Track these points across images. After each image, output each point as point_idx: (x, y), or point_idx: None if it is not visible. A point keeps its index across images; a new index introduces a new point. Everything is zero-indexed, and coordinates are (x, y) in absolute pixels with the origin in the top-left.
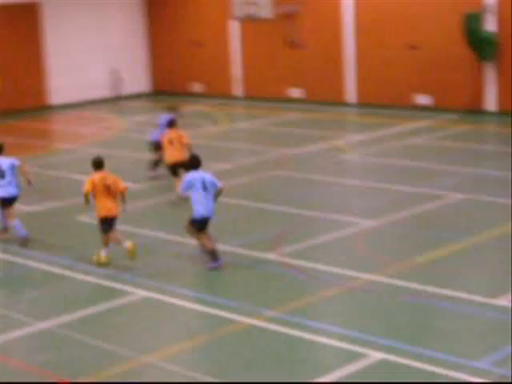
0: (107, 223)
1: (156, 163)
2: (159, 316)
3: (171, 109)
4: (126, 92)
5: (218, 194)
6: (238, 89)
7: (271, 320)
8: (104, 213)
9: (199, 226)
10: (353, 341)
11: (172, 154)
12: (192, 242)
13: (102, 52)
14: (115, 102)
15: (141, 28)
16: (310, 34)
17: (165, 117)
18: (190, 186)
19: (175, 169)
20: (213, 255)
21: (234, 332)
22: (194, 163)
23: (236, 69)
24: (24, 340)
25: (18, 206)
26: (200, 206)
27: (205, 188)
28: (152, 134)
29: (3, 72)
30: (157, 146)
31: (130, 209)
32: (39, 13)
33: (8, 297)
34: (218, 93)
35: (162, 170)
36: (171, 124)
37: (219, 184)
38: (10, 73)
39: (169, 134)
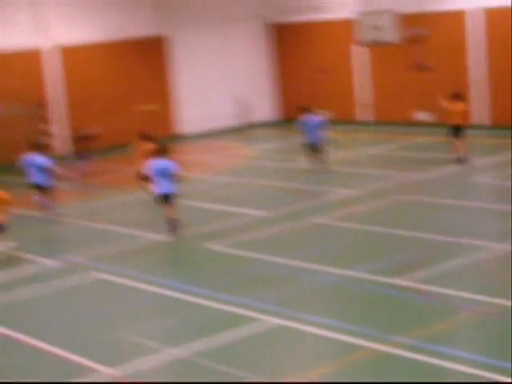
0: None
1: (313, 157)
2: (288, 343)
3: (304, 110)
4: (254, 120)
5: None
6: (365, 114)
7: (400, 346)
8: None
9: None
10: (484, 367)
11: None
12: (323, 269)
13: (230, 81)
14: (243, 130)
15: (266, 56)
16: (437, 56)
17: (315, 118)
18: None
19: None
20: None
21: (362, 358)
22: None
23: (363, 94)
24: (157, 367)
25: (147, 235)
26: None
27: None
28: (307, 137)
29: (137, 103)
30: (315, 148)
31: (261, 236)
32: (167, 45)
33: (141, 324)
34: (345, 118)
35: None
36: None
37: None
38: (144, 104)
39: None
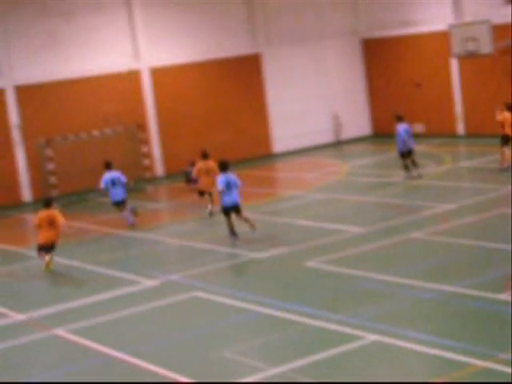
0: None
1: (407, 167)
2: (389, 360)
3: (399, 118)
4: (346, 136)
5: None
6: (459, 127)
7: (506, 363)
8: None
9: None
10: None
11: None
12: (422, 284)
13: (322, 98)
14: (336, 146)
15: (359, 72)
16: None
17: (403, 127)
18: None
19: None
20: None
21: (467, 375)
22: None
23: (457, 106)
24: None
25: (244, 253)
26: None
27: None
28: (400, 146)
29: (230, 122)
30: (407, 156)
31: (359, 253)
32: (261, 63)
33: (240, 342)
34: (440, 132)
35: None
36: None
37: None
38: (237, 123)
39: (202, 164)
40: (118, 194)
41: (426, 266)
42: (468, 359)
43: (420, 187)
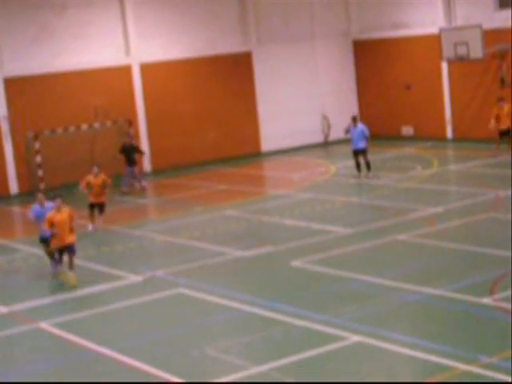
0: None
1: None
2: (372, 361)
3: (354, 119)
4: (335, 137)
5: None
6: (448, 130)
7: (488, 367)
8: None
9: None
10: None
11: None
12: (407, 286)
13: (311, 98)
14: (325, 147)
15: (349, 73)
16: None
17: (359, 127)
18: None
19: None
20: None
21: (450, 379)
22: None
23: (446, 110)
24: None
25: (231, 251)
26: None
27: None
28: (353, 144)
29: (219, 120)
30: (361, 152)
31: (344, 253)
32: (252, 61)
33: (223, 340)
34: (429, 135)
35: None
36: None
37: None
38: (226, 121)
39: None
40: None
41: (411, 268)
42: (450, 362)
43: (407, 190)
